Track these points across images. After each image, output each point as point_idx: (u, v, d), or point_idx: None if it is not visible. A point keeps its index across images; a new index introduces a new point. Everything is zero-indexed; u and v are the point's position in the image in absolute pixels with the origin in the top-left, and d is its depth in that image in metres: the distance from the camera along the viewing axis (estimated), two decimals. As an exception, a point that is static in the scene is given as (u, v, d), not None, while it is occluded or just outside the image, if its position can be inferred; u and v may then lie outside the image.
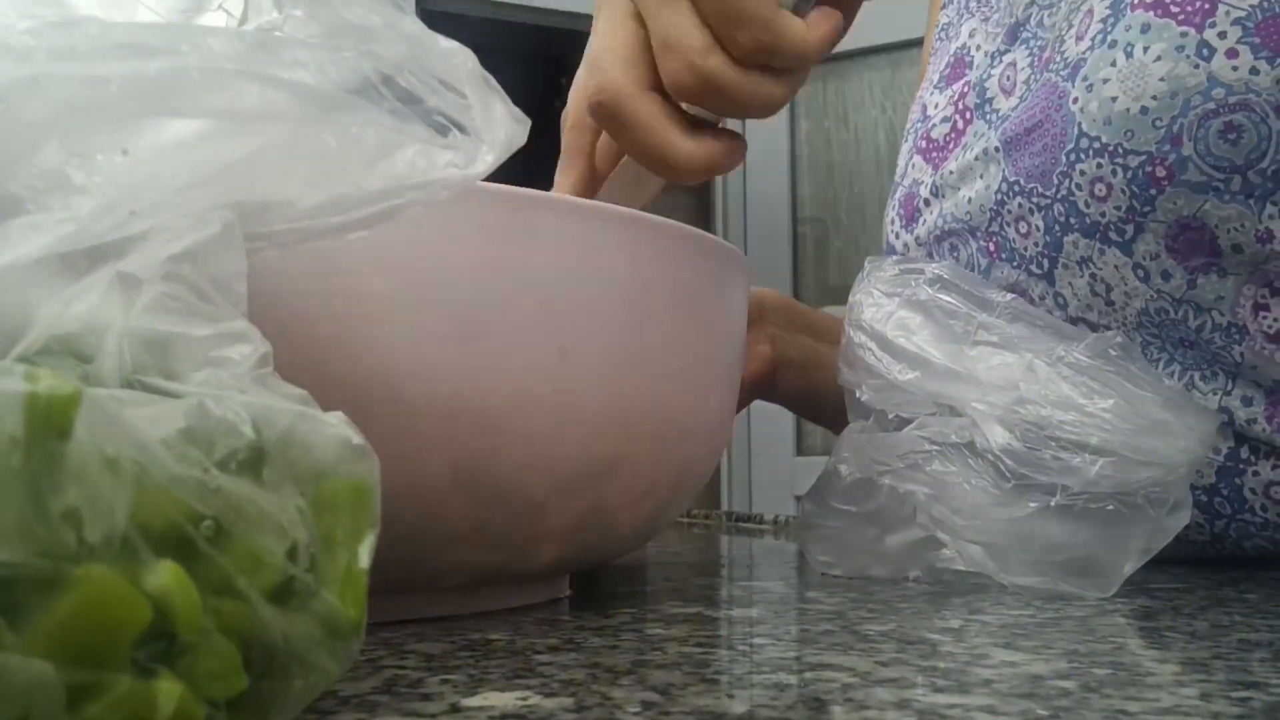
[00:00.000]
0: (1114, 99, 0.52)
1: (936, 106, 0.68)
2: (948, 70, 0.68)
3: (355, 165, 0.21)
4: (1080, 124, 0.54)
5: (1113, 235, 0.54)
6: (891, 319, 0.48)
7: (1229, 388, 0.55)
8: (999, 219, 0.60)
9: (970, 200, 0.62)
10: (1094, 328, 0.57)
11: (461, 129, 0.22)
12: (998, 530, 0.43)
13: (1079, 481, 0.42)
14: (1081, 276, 0.56)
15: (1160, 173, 0.51)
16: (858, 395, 0.49)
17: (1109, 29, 0.53)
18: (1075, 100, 0.54)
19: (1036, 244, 0.58)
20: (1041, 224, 0.57)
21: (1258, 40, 0.49)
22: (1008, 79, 0.62)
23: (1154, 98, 0.51)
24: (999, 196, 0.59)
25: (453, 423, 0.33)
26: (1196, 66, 0.50)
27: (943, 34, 0.73)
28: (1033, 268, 0.58)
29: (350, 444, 0.19)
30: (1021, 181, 0.57)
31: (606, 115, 0.43)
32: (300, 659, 0.18)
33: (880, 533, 0.48)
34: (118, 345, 0.18)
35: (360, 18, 0.22)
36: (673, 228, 0.38)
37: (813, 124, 3.01)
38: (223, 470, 0.17)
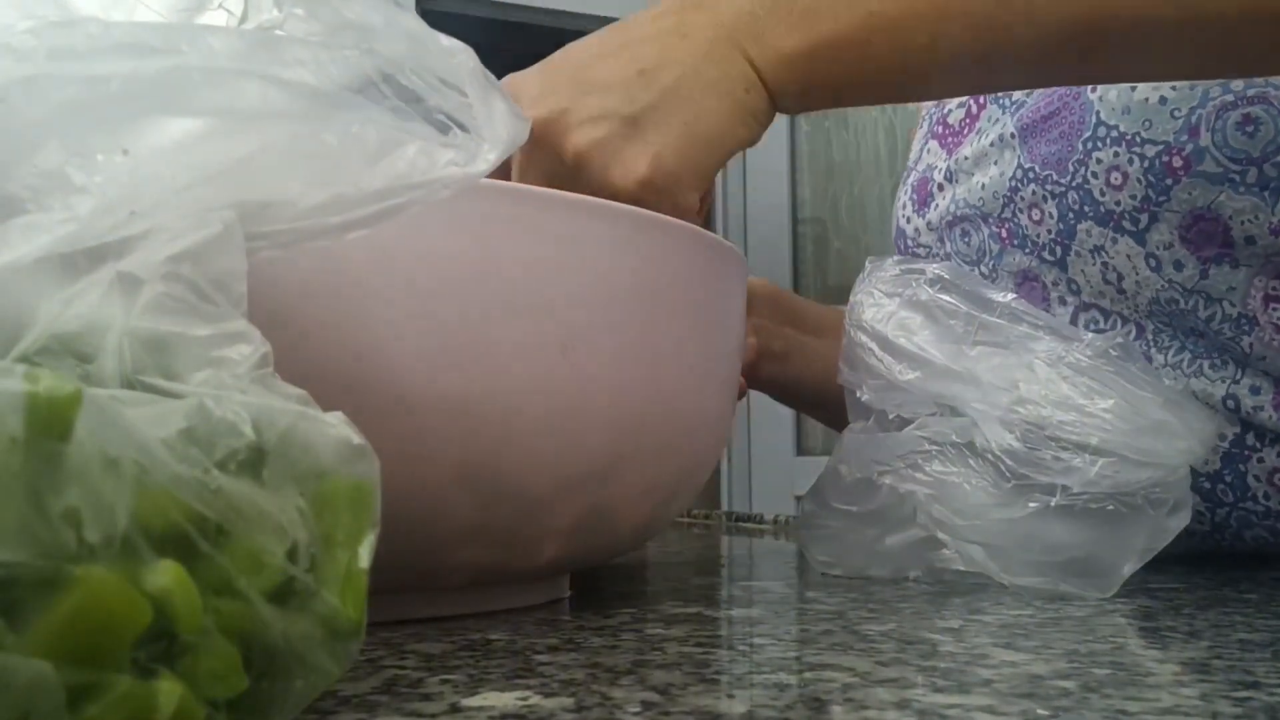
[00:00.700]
0: (1133, 88, 0.53)
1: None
2: None
3: (356, 164, 0.21)
4: (1099, 112, 0.54)
5: (1126, 224, 0.54)
6: (892, 319, 0.49)
7: (1238, 376, 0.55)
8: (1012, 205, 0.60)
9: (984, 186, 0.62)
10: (1106, 315, 0.58)
11: (462, 127, 0.22)
12: (998, 530, 0.43)
13: (1079, 481, 0.42)
14: (1094, 264, 0.57)
15: (1177, 163, 0.52)
16: (858, 395, 0.49)
17: None
18: (1094, 89, 0.54)
19: (1049, 231, 0.58)
20: (1055, 211, 0.57)
21: None
22: None
23: (1173, 88, 0.52)
24: (1013, 183, 0.59)
25: (456, 422, 0.33)
26: None
27: None
28: (1045, 254, 0.59)
29: (350, 444, 0.19)
30: (1036, 168, 0.58)
31: (663, 203, 0.44)
32: (300, 659, 0.18)
33: (880, 533, 0.48)
34: (118, 345, 0.18)
35: (361, 16, 0.22)
36: (676, 226, 0.38)
37: (813, 124, 3.01)
38: (223, 470, 0.17)
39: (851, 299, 0.52)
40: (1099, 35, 0.43)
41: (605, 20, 3.21)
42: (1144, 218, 0.54)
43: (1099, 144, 0.54)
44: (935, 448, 0.45)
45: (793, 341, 0.74)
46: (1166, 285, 0.55)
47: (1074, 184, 0.56)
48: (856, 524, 0.49)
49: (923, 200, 0.68)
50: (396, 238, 0.31)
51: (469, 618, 0.37)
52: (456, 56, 0.22)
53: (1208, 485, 0.58)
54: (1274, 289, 0.53)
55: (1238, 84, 0.51)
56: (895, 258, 0.52)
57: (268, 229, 0.21)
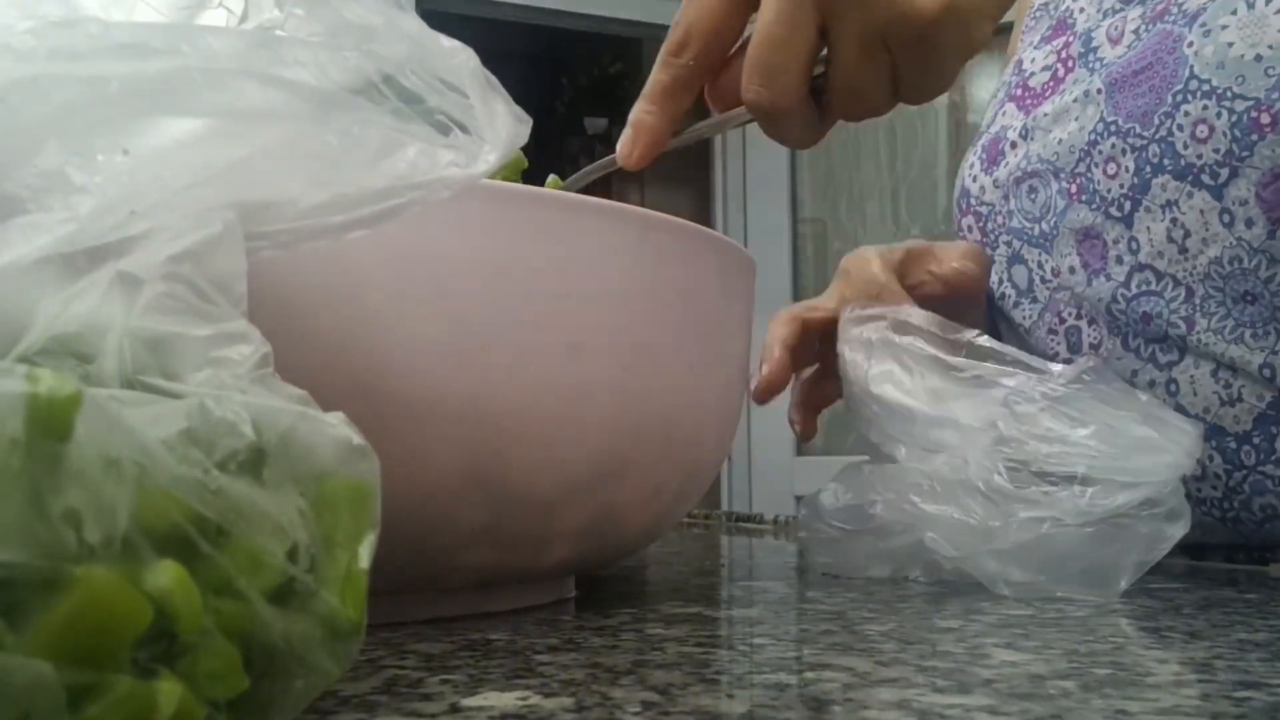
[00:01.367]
0: (1230, 44, 0.54)
1: (1034, 61, 0.70)
2: (1049, 32, 0.70)
3: (356, 165, 0.21)
4: (1192, 66, 0.56)
5: (1205, 178, 0.56)
6: (870, 373, 0.49)
7: (1277, 347, 0.56)
8: (1088, 159, 0.61)
9: (1060, 141, 0.64)
10: (1159, 277, 0.59)
11: (463, 128, 0.22)
12: (993, 553, 0.43)
13: (1071, 513, 0.42)
14: (1162, 220, 0.58)
15: (1265, 119, 0.53)
16: (867, 435, 0.50)
17: None
18: (1190, 44, 0.56)
19: (1122, 185, 0.60)
20: (1132, 164, 0.59)
21: None
22: (1115, 29, 0.64)
23: (1270, 46, 0.53)
24: (1092, 137, 0.61)
25: (464, 424, 0.33)
26: None
27: (1041, 11, 0.75)
28: (1112, 210, 0.60)
29: (350, 444, 0.19)
30: (1120, 121, 0.59)
31: (769, 117, 0.43)
32: (300, 659, 0.18)
33: (878, 539, 0.48)
34: (118, 345, 0.18)
35: (361, 17, 0.22)
36: (683, 227, 0.38)
37: (812, 124, 3.00)
38: (223, 471, 0.17)
39: (838, 347, 0.53)
40: None
41: (605, 20, 3.21)
42: (1224, 172, 0.55)
43: (1189, 97, 0.56)
44: (927, 482, 0.45)
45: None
46: (1235, 243, 0.56)
47: (1157, 137, 0.57)
48: (855, 531, 0.49)
49: (992, 159, 0.70)
50: (406, 240, 0.31)
51: (469, 618, 0.37)
52: (457, 57, 0.22)
53: (1233, 446, 0.59)
54: None
55: None
56: (858, 306, 0.53)
57: (268, 229, 0.21)
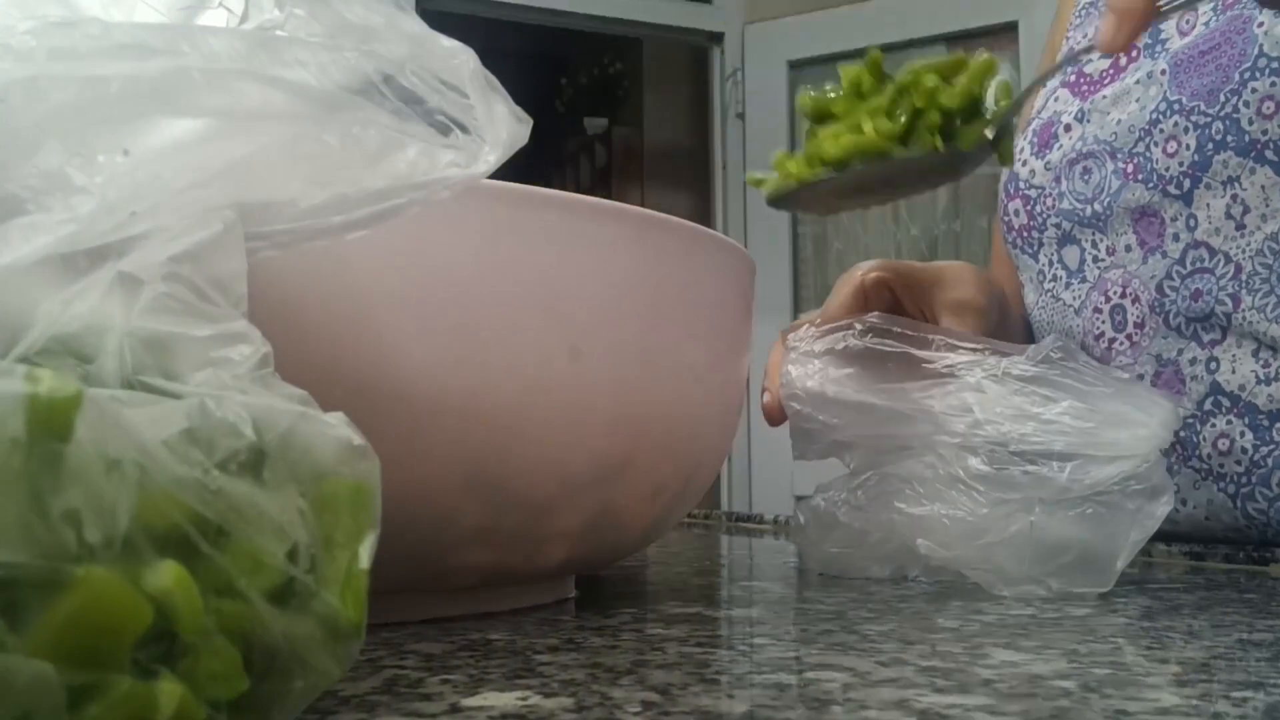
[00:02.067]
0: None
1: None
2: None
3: (356, 165, 0.21)
4: (1261, 45, 0.57)
5: (1269, 154, 0.57)
6: (824, 375, 0.48)
7: None
8: (1148, 138, 0.63)
9: (1119, 122, 0.65)
10: (1212, 253, 0.60)
11: (463, 129, 0.22)
12: (986, 553, 0.43)
13: (1052, 490, 0.42)
14: (1222, 197, 0.60)
15: None
16: (809, 448, 0.49)
17: None
18: (1260, 24, 0.57)
19: (1182, 163, 0.61)
20: (1194, 142, 0.60)
21: None
22: (1186, 22, 0.65)
23: None
24: (1154, 116, 0.62)
25: (464, 424, 0.33)
26: None
27: (1089, 8, 0.76)
28: (1171, 188, 0.62)
29: (350, 445, 0.19)
30: (1184, 100, 0.61)
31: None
32: (300, 660, 0.18)
33: (876, 541, 0.48)
34: (118, 345, 0.18)
35: (362, 17, 0.22)
36: (683, 227, 0.38)
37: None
38: (223, 471, 0.17)
39: (781, 372, 0.51)
40: None
41: (606, 20, 3.21)
42: None
43: (1257, 74, 0.57)
44: (908, 488, 0.45)
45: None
46: None
47: (1221, 114, 0.59)
48: (850, 535, 0.49)
49: (1044, 143, 0.71)
50: (406, 240, 0.31)
51: (469, 618, 0.37)
52: (457, 58, 0.22)
53: (1265, 423, 0.60)
54: None
55: None
56: (812, 323, 0.52)
57: (268, 229, 0.21)
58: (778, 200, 0.51)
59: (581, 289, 0.35)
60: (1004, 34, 2.69)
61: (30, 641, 0.14)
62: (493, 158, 0.22)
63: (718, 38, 3.04)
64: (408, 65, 0.22)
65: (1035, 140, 0.72)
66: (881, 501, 0.46)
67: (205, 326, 0.19)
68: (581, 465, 0.35)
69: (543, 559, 0.37)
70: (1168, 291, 0.63)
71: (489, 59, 0.24)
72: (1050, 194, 0.69)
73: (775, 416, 0.58)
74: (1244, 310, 0.59)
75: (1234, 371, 0.61)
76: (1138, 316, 0.64)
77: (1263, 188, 0.58)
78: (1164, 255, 0.63)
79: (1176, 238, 0.62)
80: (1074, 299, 0.68)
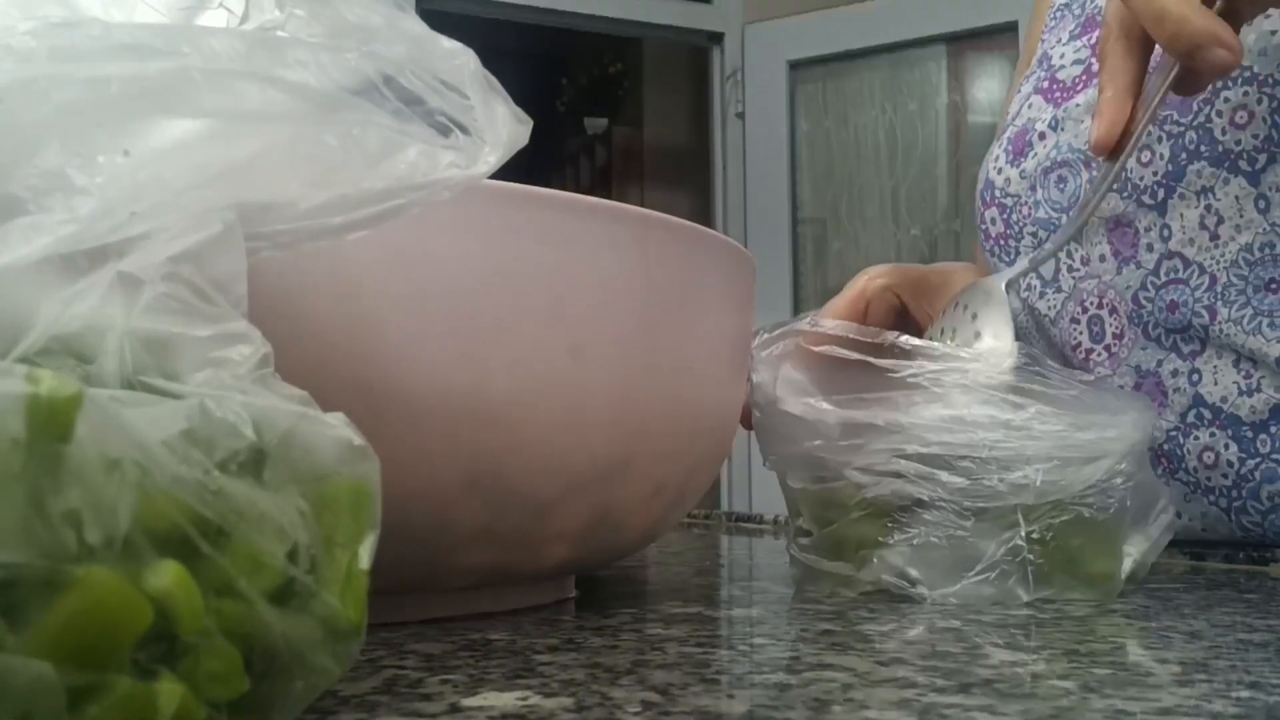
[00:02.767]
0: (1273, 32, 0.55)
1: (1063, 56, 0.70)
2: (1078, 29, 0.71)
3: (357, 166, 0.21)
4: None
5: (1243, 164, 0.57)
6: (786, 385, 0.47)
7: None
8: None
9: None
10: (1186, 264, 0.60)
11: (463, 129, 0.22)
12: (978, 590, 0.42)
13: (1031, 495, 0.42)
14: (1195, 207, 0.59)
15: None
16: (780, 456, 0.48)
17: None
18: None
19: (1156, 173, 0.60)
20: (1167, 152, 0.59)
21: None
22: None
23: None
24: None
25: (465, 424, 0.33)
26: None
27: (1063, 10, 0.76)
28: (1145, 198, 0.61)
29: (351, 445, 0.19)
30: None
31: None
32: (301, 660, 0.18)
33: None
34: (118, 346, 0.18)
35: (362, 18, 0.22)
36: (684, 227, 0.38)
37: (813, 124, 3.01)
38: (224, 471, 0.17)
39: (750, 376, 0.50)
40: None
41: (606, 20, 3.21)
42: (1262, 158, 0.56)
43: (1230, 83, 0.56)
44: (886, 520, 0.43)
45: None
46: (1268, 229, 0.57)
47: (1195, 124, 0.58)
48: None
49: (1019, 150, 0.70)
50: (407, 240, 0.31)
51: (469, 618, 0.37)
52: (458, 59, 0.22)
53: (1249, 434, 0.59)
54: None
55: None
56: (772, 328, 0.50)
57: (268, 229, 0.21)
58: None
59: (582, 288, 0.35)
60: (1004, 34, 2.69)
61: (30, 642, 0.14)
62: (493, 159, 0.22)
63: (718, 38, 3.05)
64: (408, 66, 0.22)
65: (1010, 148, 0.71)
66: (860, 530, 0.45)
67: (205, 327, 0.19)
68: (582, 465, 0.36)
69: (543, 559, 0.37)
70: (1144, 303, 0.62)
71: (489, 59, 0.24)
72: (1026, 202, 0.69)
73: (746, 419, 0.58)
74: (1220, 323, 0.59)
75: (1216, 383, 0.60)
76: (1116, 327, 0.64)
77: (1236, 198, 0.57)
78: (1138, 265, 0.62)
79: (1150, 248, 0.61)
80: (1049, 309, 0.68)
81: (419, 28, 0.23)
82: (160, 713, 0.16)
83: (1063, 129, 0.66)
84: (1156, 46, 0.49)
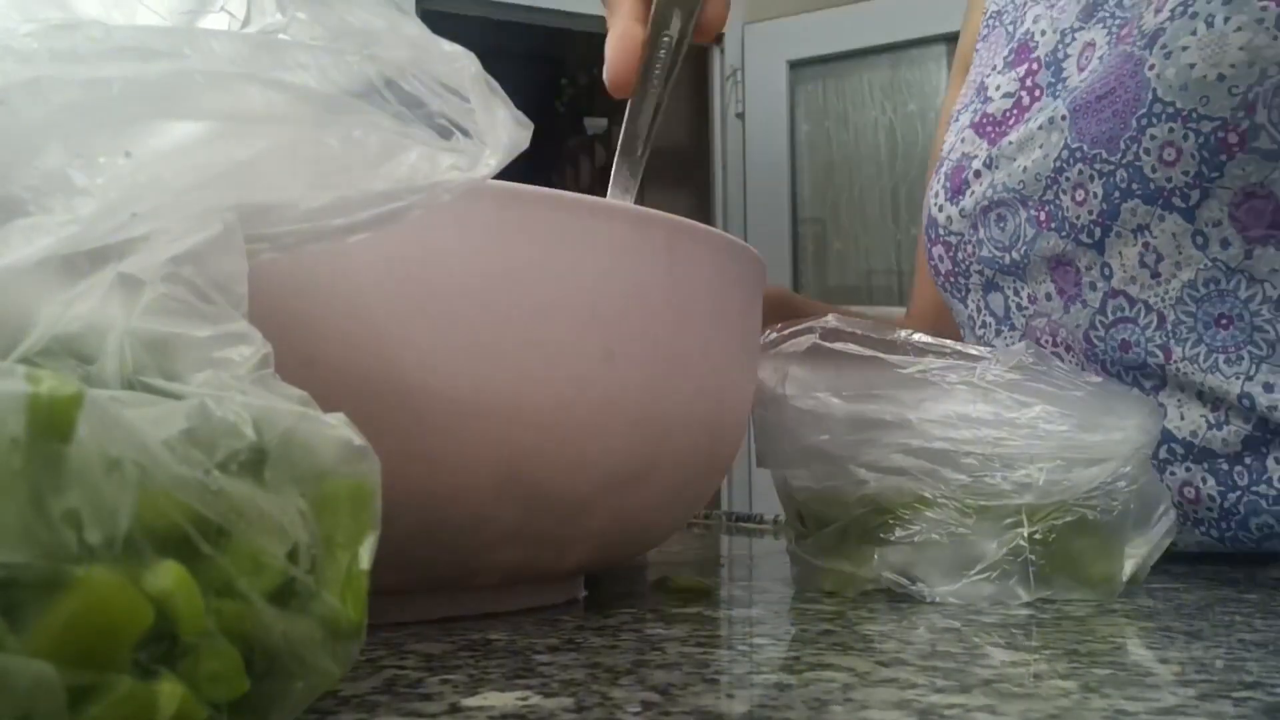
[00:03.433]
0: (1192, 65, 0.54)
1: (997, 87, 0.69)
2: (1011, 56, 0.70)
3: (358, 168, 0.21)
4: (1155, 89, 0.55)
5: (1176, 201, 0.55)
6: (789, 380, 0.47)
7: (1252, 372, 0.56)
8: (1055, 186, 0.61)
9: (1026, 169, 0.63)
10: (1132, 303, 0.59)
11: (464, 132, 0.22)
12: (978, 589, 0.42)
13: (1035, 494, 0.42)
14: (1134, 245, 0.58)
15: (1232, 139, 0.53)
16: (789, 479, 0.48)
17: (1190, 2, 0.54)
18: (1152, 67, 0.55)
19: (1091, 211, 0.59)
20: (1100, 190, 0.58)
21: None
22: (1085, 58, 0.64)
23: (1232, 65, 0.53)
24: (1058, 164, 0.60)
25: (501, 426, 0.33)
26: (1275, 38, 0.51)
27: (994, 20, 0.75)
28: (1083, 237, 0.60)
29: (351, 445, 0.19)
30: (1085, 148, 0.59)
31: None
32: (301, 660, 0.18)
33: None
34: (119, 346, 0.18)
35: (363, 21, 0.22)
36: (706, 232, 0.39)
37: (813, 124, 3.01)
38: (224, 472, 0.17)
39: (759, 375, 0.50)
40: None
41: (605, 20, 3.21)
42: (1195, 194, 0.55)
43: (1154, 120, 0.55)
44: (888, 517, 0.44)
45: None
46: (1209, 265, 0.56)
47: (1124, 162, 0.57)
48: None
49: (957, 188, 0.69)
50: (444, 242, 0.32)
51: (469, 618, 0.37)
52: (458, 61, 0.22)
53: (1225, 468, 0.59)
54: None
55: None
56: (778, 329, 0.51)
57: (269, 231, 0.21)
58: None
59: (614, 292, 0.35)
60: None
61: (31, 642, 0.14)
62: (494, 161, 0.22)
63: (718, 37, 3.05)
64: (409, 69, 0.22)
65: (948, 185, 0.70)
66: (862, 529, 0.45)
67: (206, 327, 0.19)
68: (614, 466, 0.36)
69: (566, 559, 0.38)
70: (1095, 341, 0.61)
71: (489, 60, 0.24)
72: (970, 241, 0.68)
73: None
74: (1176, 362, 0.58)
75: (1182, 418, 0.59)
76: (1074, 364, 0.63)
77: (1173, 235, 0.56)
78: (1084, 304, 0.61)
79: (1094, 286, 0.60)
80: (1005, 346, 0.67)
81: (420, 31, 0.23)
82: (161, 713, 0.16)
83: (997, 167, 0.65)
84: None
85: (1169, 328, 0.58)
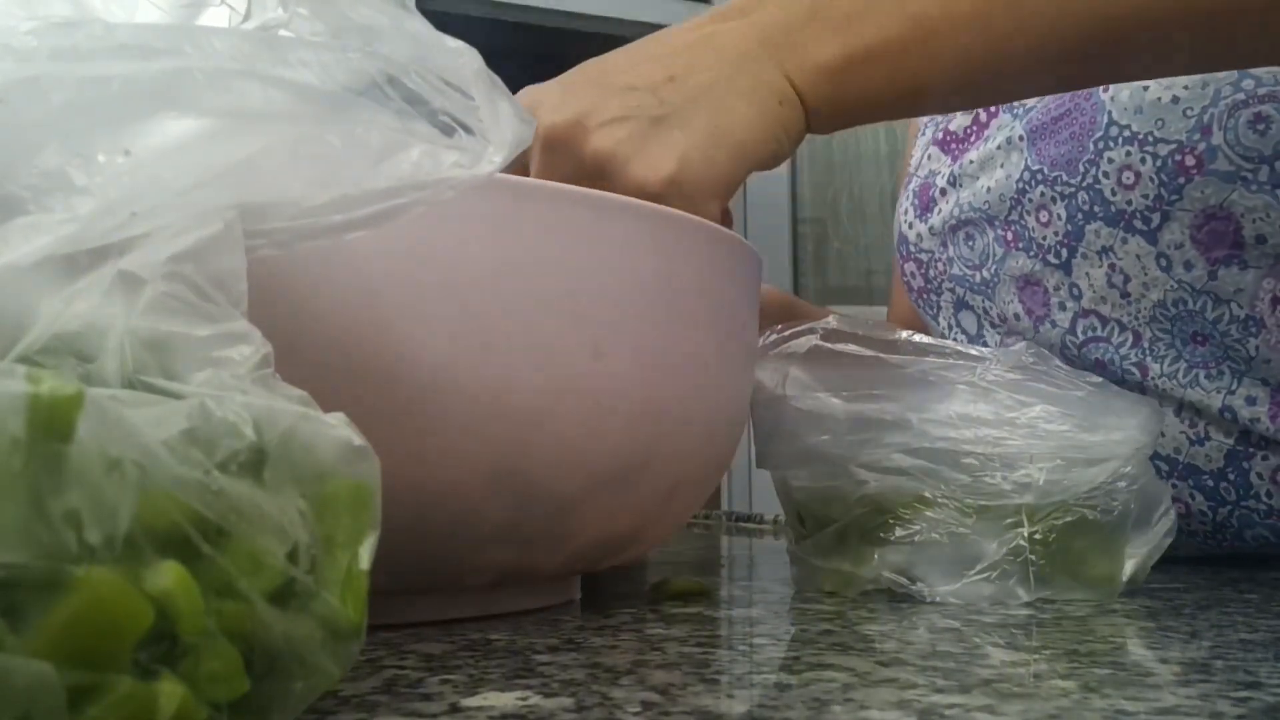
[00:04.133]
0: (1145, 88, 0.54)
1: None
2: None
3: (359, 166, 0.21)
4: (1110, 112, 0.55)
5: (1138, 224, 0.55)
6: (789, 380, 0.47)
7: (1234, 387, 0.55)
8: (1019, 207, 0.60)
9: (989, 190, 0.62)
10: (1105, 322, 0.58)
11: (467, 129, 0.22)
12: (977, 589, 0.42)
13: (1034, 494, 0.42)
14: (1100, 266, 0.57)
15: (1190, 161, 0.53)
16: (789, 479, 0.48)
17: None
18: (1106, 90, 0.55)
19: (1056, 233, 0.58)
20: (1064, 212, 0.58)
21: None
22: None
23: (1185, 87, 0.53)
24: (1020, 185, 0.60)
25: (490, 421, 0.33)
26: None
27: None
28: (1050, 257, 0.59)
29: (351, 445, 0.19)
30: (1045, 170, 0.58)
31: (685, 207, 0.42)
32: (301, 660, 0.18)
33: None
34: (119, 345, 0.18)
35: (365, 17, 0.22)
36: (701, 226, 0.38)
37: (812, 123, 3.00)
38: (224, 472, 0.17)
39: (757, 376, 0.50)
40: (1118, 34, 0.43)
41: (606, 20, 3.21)
42: (1156, 217, 0.54)
43: (1111, 144, 0.55)
44: (889, 517, 0.43)
45: None
46: (1175, 286, 0.55)
47: (1084, 184, 0.56)
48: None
49: (925, 206, 0.69)
50: (436, 236, 0.31)
51: (470, 618, 0.37)
52: (461, 58, 0.22)
53: (1210, 484, 0.58)
54: None
55: (1249, 83, 0.52)
56: (778, 330, 0.50)
57: (267, 227, 0.21)
58: None
59: (605, 287, 0.35)
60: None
61: (31, 642, 0.14)
62: (498, 158, 0.22)
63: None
64: (411, 66, 0.22)
65: (916, 202, 0.70)
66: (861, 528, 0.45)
67: (206, 326, 0.19)
68: (605, 462, 0.36)
69: (558, 557, 0.38)
70: (1071, 361, 0.60)
71: (488, 59, 0.24)
72: (940, 259, 0.68)
73: None
74: (1154, 378, 0.57)
75: (1163, 435, 0.58)
76: None
77: (1138, 257, 0.56)
78: (1054, 324, 0.61)
79: (1063, 306, 0.60)
80: None
81: (423, 27, 0.23)
82: (161, 713, 0.16)
83: (961, 185, 0.65)
84: None
85: (1145, 345, 0.57)
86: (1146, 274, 0.56)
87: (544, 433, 0.34)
